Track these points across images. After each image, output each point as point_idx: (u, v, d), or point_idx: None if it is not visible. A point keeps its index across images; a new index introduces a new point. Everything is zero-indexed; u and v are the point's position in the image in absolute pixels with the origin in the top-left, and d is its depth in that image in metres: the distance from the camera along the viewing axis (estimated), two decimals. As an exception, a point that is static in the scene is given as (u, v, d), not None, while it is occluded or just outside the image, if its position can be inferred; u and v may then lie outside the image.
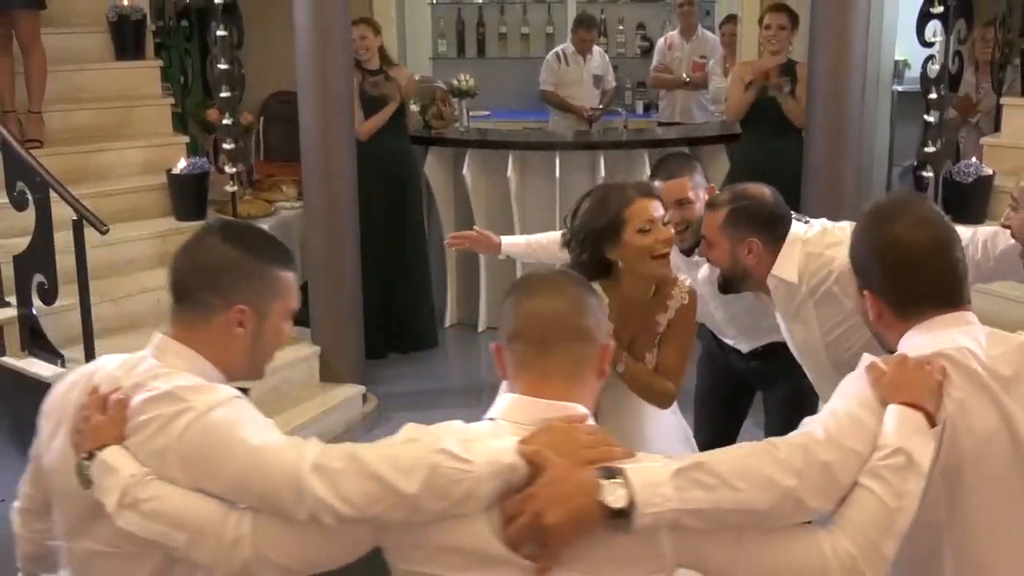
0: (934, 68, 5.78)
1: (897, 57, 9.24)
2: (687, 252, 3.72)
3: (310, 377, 5.94)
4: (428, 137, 7.09)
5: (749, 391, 4.16)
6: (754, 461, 1.83)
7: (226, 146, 6.29)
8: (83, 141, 6.30)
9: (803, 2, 7.95)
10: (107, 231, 4.97)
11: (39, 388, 4.91)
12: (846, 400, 1.98)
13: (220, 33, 6.19)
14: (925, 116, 5.84)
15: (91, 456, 1.92)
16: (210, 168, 6.30)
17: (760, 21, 6.69)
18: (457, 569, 1.82)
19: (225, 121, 6.30)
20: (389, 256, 6.64)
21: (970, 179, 5.72)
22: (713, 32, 8.66)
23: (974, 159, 5.92)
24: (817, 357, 3.30)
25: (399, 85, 6.61)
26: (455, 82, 7.43)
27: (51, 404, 2.13)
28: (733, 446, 1.92)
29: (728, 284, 3.37)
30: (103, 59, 6.66)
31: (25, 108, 6.03)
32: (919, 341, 2.08)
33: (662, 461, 1.83)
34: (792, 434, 1.92)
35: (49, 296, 5.01)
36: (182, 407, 1.92)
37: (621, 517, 1.74)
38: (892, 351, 2.12)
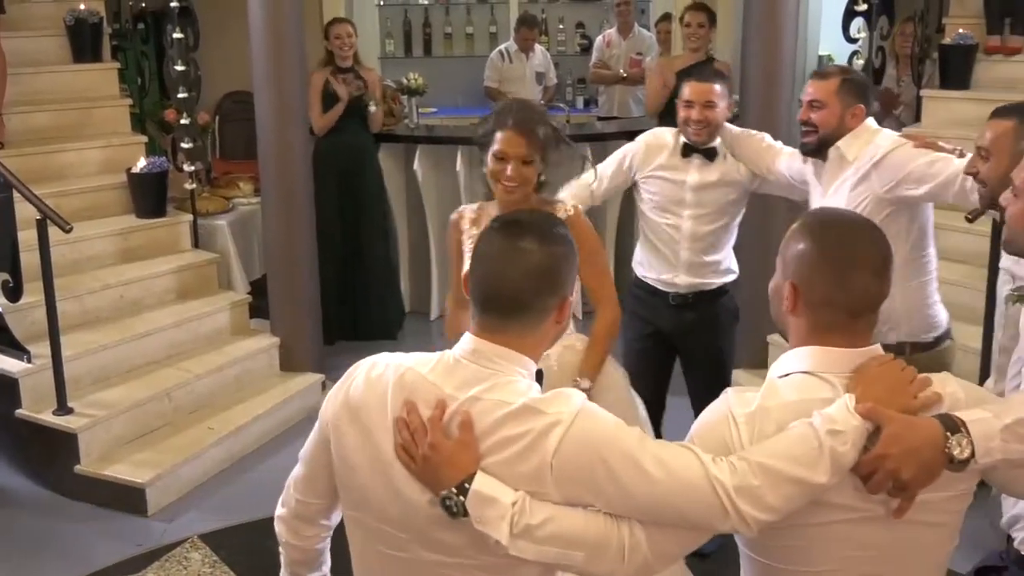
0: (859, 63, 5.82)
1: (821, 53, 9.31)
2: (701, 150, 4.09)
3: (270, 367, 5.89)
4: (380, 134, 7.03)
5: (672, 356, 4.36)
6: None
7: (184, 145, 6.20)
8: (43, 142, 6.17)
9: (731, 1, 7.99)
10: (71, 230, 4.89)
11: (5, 383, 4.90)
12: None
13: (176, 36, 6.10)
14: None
15: (461, 490, 1.82)
16: (169, 166, 6.20)
17: (680, 19, 6.74)
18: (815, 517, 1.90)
19: (183, 121, 6.21)
20: (349, 249, 6.59)
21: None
22: (649, 30, 8.68)
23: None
24: None
25: (367, 84, 6.56)
26: (404, 81, 7.39)
27: (353, 404, 1.98)
28: None
29: (821, 146, 3.65)
30: (61, 62, 6.52)
31: (-14, 111, 5.90)
32: None
33: (987, 413, 1.86)
34: None
35: (14, 294, 4.91)
36: (548, 421, 1.83)
37: (960, 465, 1.82)
38: None
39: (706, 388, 4.29)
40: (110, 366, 5.30)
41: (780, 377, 1.98)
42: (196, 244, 6.27)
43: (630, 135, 6.83)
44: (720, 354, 4.35)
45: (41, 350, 4.97)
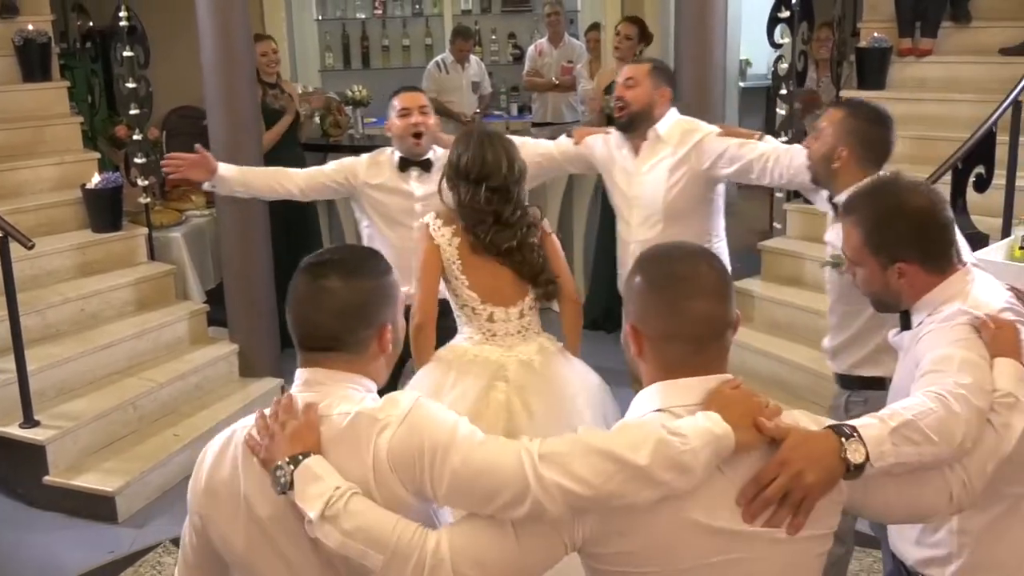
0: (783, 67, 5.91)
1: (741, 57, 9.46)
2: (418, 162, 4.14)
3: (230, 373, 5.81)
4: (327, 144, 6.98)
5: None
6: (942, 416, 1.89)
7: (138, 160, 6.08)
8: (-3, 161, 6.03)
9: (665, 8, 8.06)
10: (33, 246, 4.77)
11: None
12: (962, 352, 2.07)
13: (127, 54, 5.98)
14: (777, 109, 5.98)
15: (294, 461, 1.78)
16: (123, 181, 6.08)
17: (615, 30, 6.77)
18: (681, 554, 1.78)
19: (135, 137, 6.09)
20: (291, 258, 6.50)
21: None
22: (578, 39, 8.70)
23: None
24: (653, 201, 4.02)
25: (291, 97, 6.50)
26: (349, 92, 7.34)
27: (210, 485, 1.92)
28: (915, 398, 1.95)
29: (632, 121, 4.02)
30: (11, 81, 6.35)
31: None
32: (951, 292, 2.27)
33: (875, 419, 1.86)
34: (949, 382, 1.98)
35: (-23, 311, 4.79)
36: (380, 424, 1.80)
37: (856, 471, 1.79)
38: (898, 310, 2.36)
39: None
40: (74, 378, 5.19)
41: (639, 417, 1.88)
42: (152, 256, 6.16)
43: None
44: None
45: (4, 364, 4.86)
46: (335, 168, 4.27)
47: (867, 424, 1.84)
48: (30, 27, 6.32)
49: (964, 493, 1.94)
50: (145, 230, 6.15)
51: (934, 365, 2.06)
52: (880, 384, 2.92)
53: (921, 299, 2.28)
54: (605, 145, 4.18)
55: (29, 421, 4.78)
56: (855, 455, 1.78)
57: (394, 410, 1.83)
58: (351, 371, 1.91)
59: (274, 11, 8.72)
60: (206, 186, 4.22)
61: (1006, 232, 4.78)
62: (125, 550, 4.43)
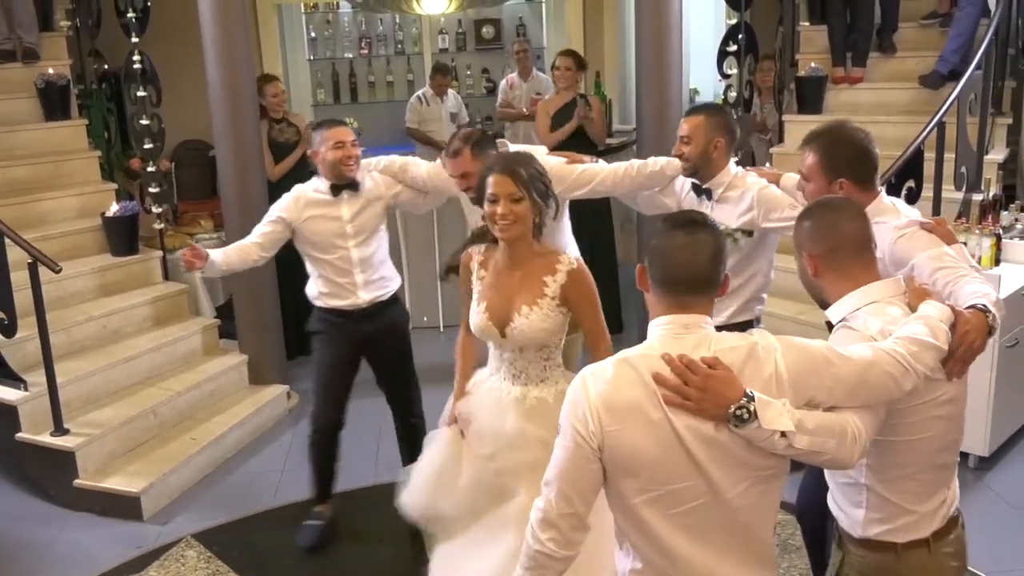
0: (732, 95, 5.95)
1: (690, 86, 9.49)
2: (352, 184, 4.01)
3: (240, 381, 5.77)
4: (322, 171, 6.94)
5: (357, 362, 4.26)
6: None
7: (152, 190, 6.04)
8: (22, 193, 5.95)
9: (623, 46, 8.09)
10: (60, 270, 4.73)
11: (5, 410, 4.72)
12: (941, 248, 2.56)
13: (141, 94, 5.94)
14: (727, 134, 6.01)
15: (749, 399, 1.91)
16: (139, 209, 6.03)
17: (553, 65, 6.73)
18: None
19: (149, 169, 6.05)
20: (293, 280, 6.45)
21: (765, 181, 5.90)
22: (545, 73, 8.71)
23: (767, 164, 6.12)
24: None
25: (299, 130, 6.46)
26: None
27: (611, 405, 1.96)
28: (977, 284, 2.41)
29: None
30: (34, 120, 6.30)
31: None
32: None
33: (984, 300, 2.35)
34: (967, 268, 2.51)
35: (10, 330, 4.75)
36: (771, 349, 2.00)
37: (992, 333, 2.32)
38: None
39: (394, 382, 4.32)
40: (99, 389, 5.15)
41: (853, 312, 2.26)
42: (166, 276, 6.13)
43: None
44: (404, 358, 4.32)
45: (35, 379, 4.82)
46: (272, 220, 4.10)
47: (987, 299, 2.34)
48: (50, 71, 6.27)
49: None
50: (160, 253, 6.12)
51: (939, 262, 2.51)
52: (750, 324, 3.58)
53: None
54: None
55: (59, 429, 4.74)
56: (994, 323, 2.30)
57: (771, 338, 2.04)
58: (707, 313, 2.08)
59: (271, 52, 8.71)
60: (198, 274, 4.13)
61: (935, 239, 4.84)
62: (151, 545, 4.39)
